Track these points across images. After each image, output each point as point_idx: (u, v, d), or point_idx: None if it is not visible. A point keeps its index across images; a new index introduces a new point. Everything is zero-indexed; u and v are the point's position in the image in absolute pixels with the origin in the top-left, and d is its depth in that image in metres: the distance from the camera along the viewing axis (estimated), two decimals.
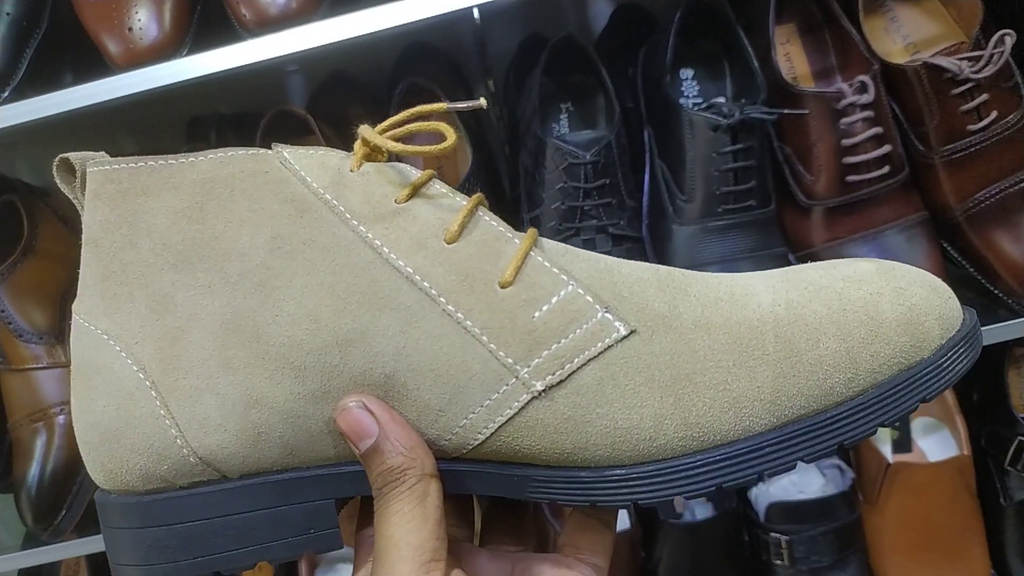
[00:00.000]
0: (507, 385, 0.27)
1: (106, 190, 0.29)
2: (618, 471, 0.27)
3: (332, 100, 0.84)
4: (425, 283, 0.27)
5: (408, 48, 0.88)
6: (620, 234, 0.68)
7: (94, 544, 0.75)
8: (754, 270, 0.67)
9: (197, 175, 0.28)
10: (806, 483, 0.83)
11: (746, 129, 0.65)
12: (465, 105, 0.29)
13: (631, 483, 0.27)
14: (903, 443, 0.83)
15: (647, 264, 0.29)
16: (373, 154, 0.29)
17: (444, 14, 0.57)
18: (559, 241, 0.70)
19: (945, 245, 0.70)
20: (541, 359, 0.27)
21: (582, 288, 0.28)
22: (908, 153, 0.68)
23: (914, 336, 0.27)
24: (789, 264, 0.69)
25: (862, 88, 0.64)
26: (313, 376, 0.28)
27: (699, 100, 0.77)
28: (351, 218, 0.28)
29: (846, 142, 0.65)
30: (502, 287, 0.27)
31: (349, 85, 0.85)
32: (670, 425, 0.27)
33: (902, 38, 0.75)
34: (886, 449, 0.83)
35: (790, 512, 0.80)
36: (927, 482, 0.79)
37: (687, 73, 0.77)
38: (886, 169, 0.66)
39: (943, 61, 0.63)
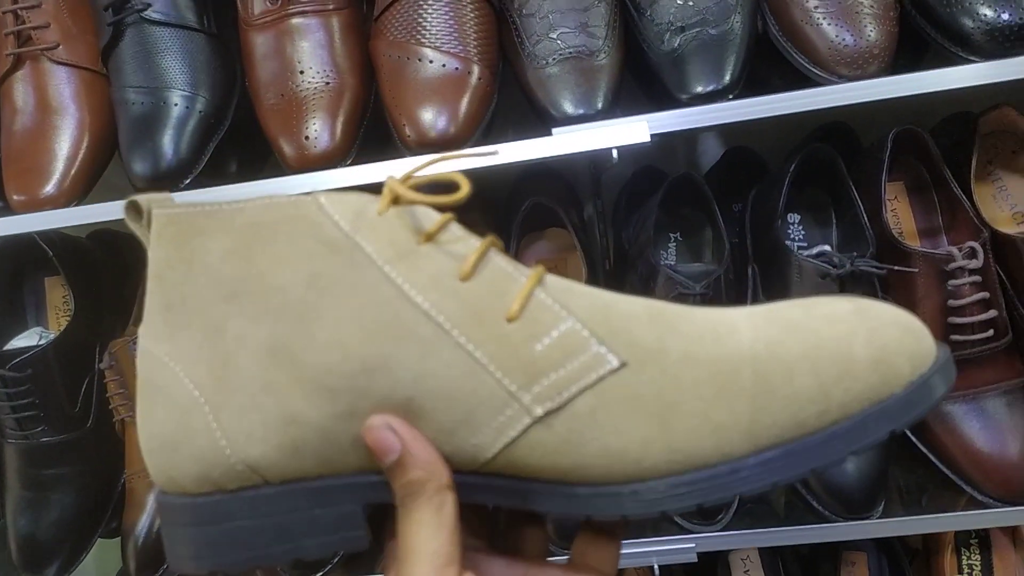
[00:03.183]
0: (511, 409, 0.30)
1: (168, 231, 0.32)
2: (611, 488, 0.30)
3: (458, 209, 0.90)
4: (440, 317, 0.30)
5: (529, 166, 0.95)
6: None
7: None
8: None
9: (245, 219, 0.32)
10: None
11: (854, 280, 0.68)
12: (481, 151, 0.32)
13: (621, 499, 0.30)
14: None
15: (642, 299, 0.32)
16: (400, 198, 0.32)
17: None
18: None
19: None
20: (541, 387, 0.30)
21: (579, 323, 0.30)
22: (1012, 319, 0.70)
23: (884, 375, 0.29)
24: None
25: (972, 253, 0.67)
26: (343, 397, 0.31)
27: (804, 244, 0.81)
28: (376, 258, 0.31)
29: (952, 303, 0.67)
30: (508, 321, 0.30)
31: (472, 196, 0.92)
32: (656, 448, 0.29)
33: (1010, 207, 0.78)
34: None
35: None
36: None
37: (794, 217, 0.81)
38: (990, 333, 0.67)
39: None
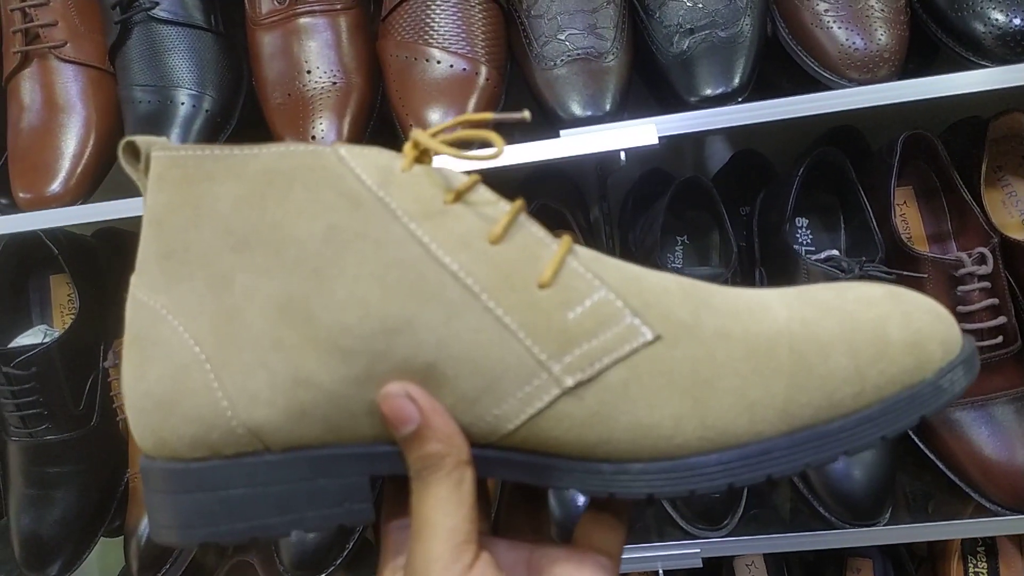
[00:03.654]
0: (540, 379, 0.29)
1: (171, 174, 0.30)
2: (637, 465, 0.29)
3: None
4: (469, 280, 0.29)
5: (536, 169, 0.95)
6: None
7: None
8: None
9: (259, 165, 0.30)
10: None
11: None
12: (510, 116, 0.30)
13: (648, 477, 0.29)
14: None
15: (672, 275, 0.31)
16: (422, 157, 0.31)
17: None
18: None
19: None
20: (573, 357, 0.29)
21: (613, 293, 0.29)
22: (1021, 325, 0.70)
23: (918, 358, 0.29)
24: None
25: (981, 259, 0.66)
26: (359, 360, 0.29)
27: (811, 248, 0.80)
28: (402, 215, 0.29)
29: (961, 309, 0.67)
30: (540, 288, 0.29)
31: None
32: (688, 425, 0.28)
33: (1019, 212, 0.77)
34: None
35: None
36: None
37: (802, 221, 0.81)
38: (999, 339, 0.67)
39: None
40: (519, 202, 0.31)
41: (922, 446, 0.72)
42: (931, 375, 0.29)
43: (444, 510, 0.29)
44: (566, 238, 0.30)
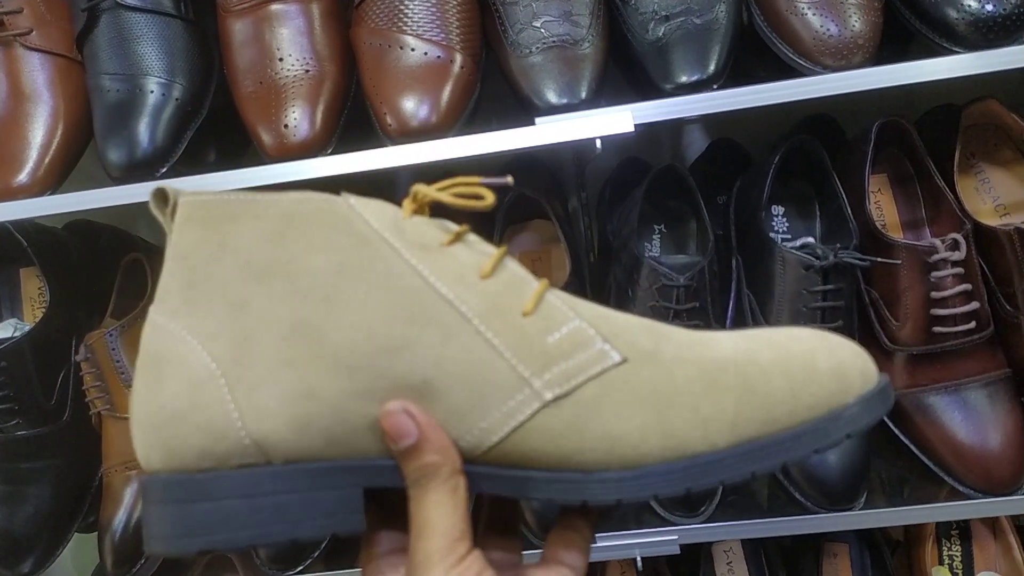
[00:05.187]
0: (522, 394, 0.33)
1: (199, 214, 0.34)
2: (607, 473, 0.33)
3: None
4: (463, 307, 0.33)
5: (513, 158, 0.94)
6: None
7: None
8: None
9: (280, 209, 0.34)
10: None
11: (838, 271, 0.68)
12: (495, 181, 0.35)
13: (617, 484, 0.33)
14: None
15: (635, 316, 0.36)
16: (420, 209, 0.36)
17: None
18: None
19: None
20: (551, 374, 0.33)
21: (586, 323, 0.34)
22: (994, 311, 0.70)
23: (841, 383, 0.34)
24: None
25: (954, 245, 0.67)
26: (363, 376, 0.33)
27: (787, 236, 0.81)
28: (404, 252, 0.34)
29: (935, 295, 0.67)
30: (524, 315, 0.34)
31: None
32: (652, 436, 0.33)
33: (992, 199, 0.78)
34: None
35: None
36: None
37: (778, 209, 0.81)
38: (972, 324, 0.68)
39: None
40: (503, 247, 0.36)
41: (897, 431, 0.72)
42: (852, 399, 0.33)
43: (441, 512, 0.33)
44: (544, 280, 0.35)
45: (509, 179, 0.36)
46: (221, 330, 0.33)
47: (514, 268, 0.35)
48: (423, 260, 0.34)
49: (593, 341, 0.33)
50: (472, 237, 0.36)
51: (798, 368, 0.34)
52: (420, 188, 0.35)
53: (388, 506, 0.36)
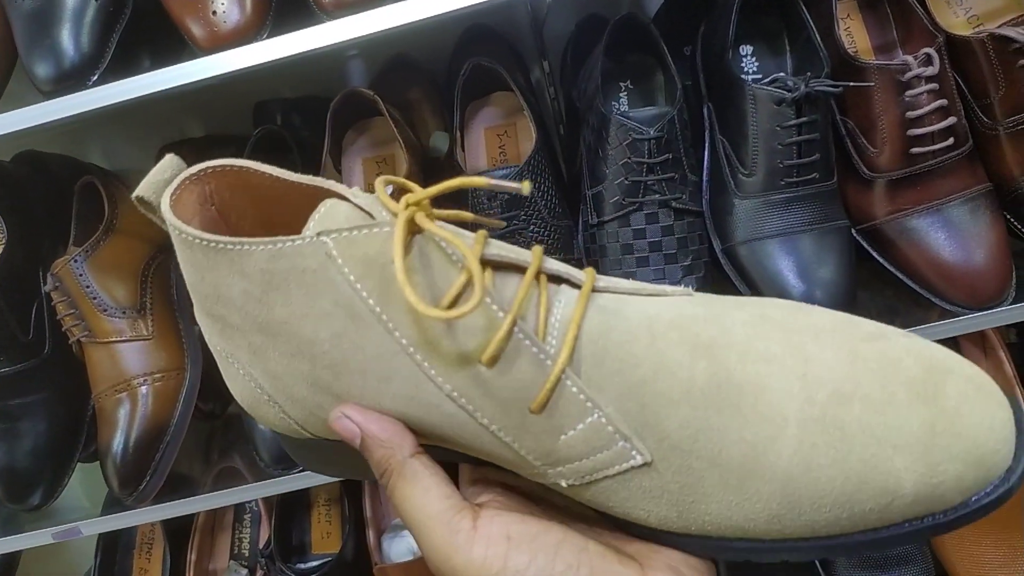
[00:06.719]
0: (538, 471, 0.32)
1: (185, 254, 0.33)
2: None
3: (395, 83, 0.86)
4: (462, 400, 0.31)
5: (468, 30, 0.90)
6: (682, 208, 0.69)
7: (171, 510, 0.79)
8: (816, 243, 0.67)
9: (253, 264, 0.32)
10: None
11: (810, 103, 0.66)
12: (506, 185, 0.32)
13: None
14: None
15: (690, 363, 0.30)
16: (413, 227, 0.32)
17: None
18: (622, 216, 0.70)
19: (1009, 217, 0.70)
20: (565, 468, 0.31)
21: (606, 418, 0.30)
22: (971, 125, 0.69)
23: (927, 506, 0.28)
24: (850, 236, 0.69)
25: (927, 60, 0.64)
26: None
27: (759, 76, 0.78)
28: (396, 332, 0.31)
29: (911, 114, 0.65)
30: (532, 412, 0.31)
31: (410, 68, 0.87)
32: (672, 525, 0.31)
33: (964, 11, 0.74)
34: None
35: None
36: None
37: (747, 49, 0.78)
38: (950, 141, 0.66)
39: (1011, 32, 0.63)
40: (512, 315, 0.30)
41: (882, 260, 0.72)
42: (940, 511, 0.28)
43: (416, 504, 0.32)
44: (561, 359, 0.30)
45: (524, 186, 0.31)
46: (254, 365, 0.34)
47: (528, 348, 0.31)
48: (419, 346, 0.31)
49: (612, 440, 0.30)
50: (477, 282, 0.30)
51: (870, 497, 0.28)
52: (412, 212, 0.31)
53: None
